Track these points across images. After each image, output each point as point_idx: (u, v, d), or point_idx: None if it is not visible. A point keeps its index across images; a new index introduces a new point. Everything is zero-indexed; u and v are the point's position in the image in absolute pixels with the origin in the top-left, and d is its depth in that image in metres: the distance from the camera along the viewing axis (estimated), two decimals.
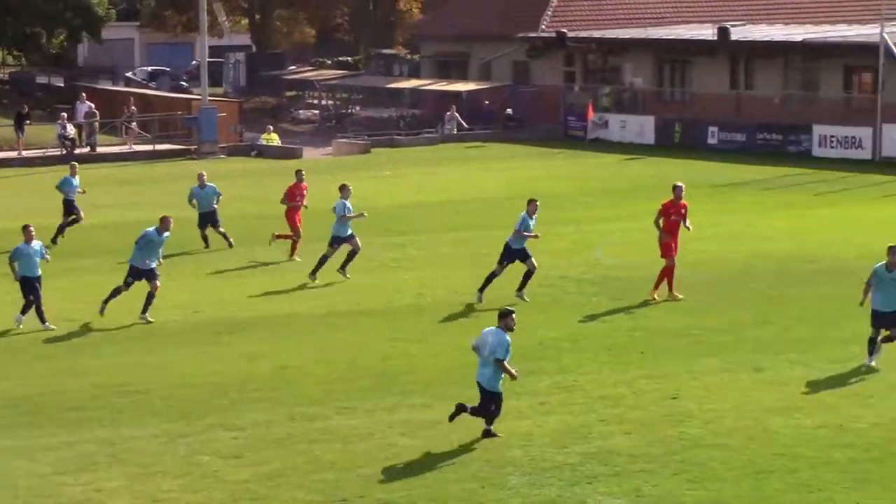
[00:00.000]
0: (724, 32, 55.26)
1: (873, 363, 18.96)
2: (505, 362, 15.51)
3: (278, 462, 15.01)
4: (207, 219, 28.69)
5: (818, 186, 41.03)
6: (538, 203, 23.72)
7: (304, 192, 30.11)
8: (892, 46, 48.56)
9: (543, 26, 61.47)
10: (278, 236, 29.13)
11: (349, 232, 25.86)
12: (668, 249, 24.25)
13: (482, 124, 57.88)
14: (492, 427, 15.85)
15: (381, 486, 14.79)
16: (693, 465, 14.75)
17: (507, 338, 15.56)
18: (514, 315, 16.02)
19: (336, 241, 25.46)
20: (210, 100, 53.49)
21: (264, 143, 51.38)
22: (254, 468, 14.79)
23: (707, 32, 57.45)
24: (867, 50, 49.90)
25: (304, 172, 30.49)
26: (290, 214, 28.77)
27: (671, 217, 24.18)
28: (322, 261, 25.44)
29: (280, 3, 77.11)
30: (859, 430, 15.82)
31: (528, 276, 23.16)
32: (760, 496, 14.54)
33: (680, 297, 24.35)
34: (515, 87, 61.88)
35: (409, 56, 73.74)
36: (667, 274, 22.88)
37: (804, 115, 52.22)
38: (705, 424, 16.37)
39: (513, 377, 15.79)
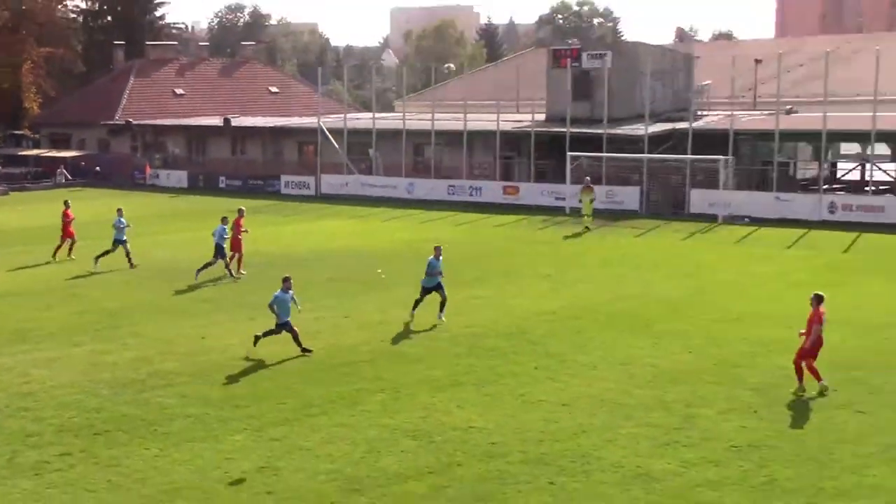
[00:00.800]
0: (227, 121, 75.63)
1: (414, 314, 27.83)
2: (274, 306, 24.34)
3: None
4: None
5: (285, 211, 57.43)
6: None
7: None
8: (326, 131, 66.82)
9: (117, 116, 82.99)
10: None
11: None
12: (236, 245, 35.21)
13: (81, 177, 76.52)
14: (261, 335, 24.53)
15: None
16: None
17: (281, 294, 24.25)
18: (290, 280, 24.61)
19: None
20: None
21: None
22: None
23: (217, 121, 77.57)
24: (310, 131, 69.01)
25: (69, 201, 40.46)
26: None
27: (241, 228, 35.53)
28: None
29: None
30: None
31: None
32: None
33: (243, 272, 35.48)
34: (101, 154, 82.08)
35: (32, 135, 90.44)
36: None
37: (275, 169, 71.50)
38: None
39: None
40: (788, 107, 62.44)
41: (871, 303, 31.01)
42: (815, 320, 21.65)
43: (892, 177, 52.47)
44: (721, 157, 51.76)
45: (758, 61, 72.78)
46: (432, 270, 28.60)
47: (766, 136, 54.86)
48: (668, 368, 23.88)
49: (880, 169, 52.95)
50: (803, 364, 21.68)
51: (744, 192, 52.53)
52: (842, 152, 59.10)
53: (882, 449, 18.27)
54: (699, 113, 61.74)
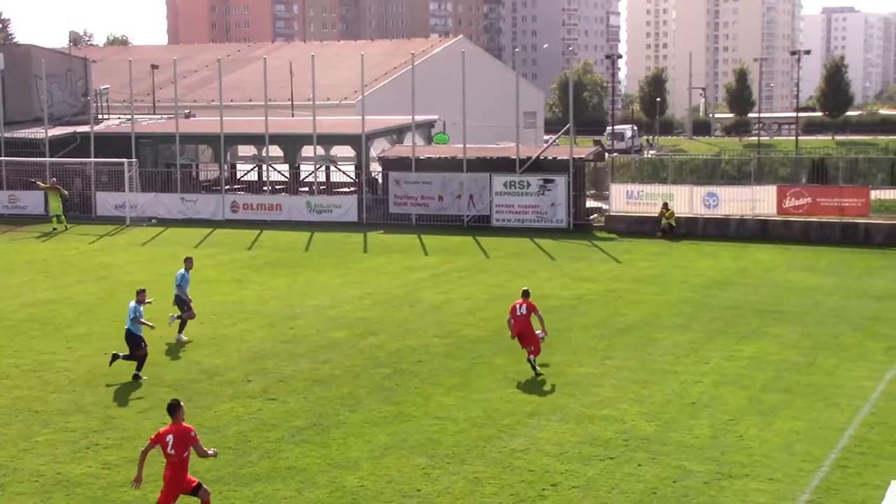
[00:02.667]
0: None
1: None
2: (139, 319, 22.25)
3: None
4: None
5: None
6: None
7: None
8: None
9: None
10: None
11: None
12: None
13: None
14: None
15: None
16: None
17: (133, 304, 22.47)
18: (145, 292, 23.05)
19: None
20: None
21: None
22: None
23: None
24: None
25: None
26: None
27: None
28: None
29: None
30: None
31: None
32: None
33: None
34: None
35: None
36: None
37: None
38: None
39: (151, 326, 22.60)
40: (187, 111, 63.15)
41: (275, 296, 32.12)
42: (533, 309, 22.58)
43: (286, 177, 54.78)
44: (125, 159, 51.22)
45: (154, 67, 73.07)
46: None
47: (167, 138, 55.07)
48: (85, 372, 23.23)
49: (275, 170, 55.09)
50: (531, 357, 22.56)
51: (150, 194, 52.39)
52: (240, 154, 60.81)
53: (292, 433, 18.98)
54: (101, 116, 60.75)
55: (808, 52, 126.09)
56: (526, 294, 23.29)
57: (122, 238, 46.37)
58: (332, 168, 56.66)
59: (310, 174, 54.38)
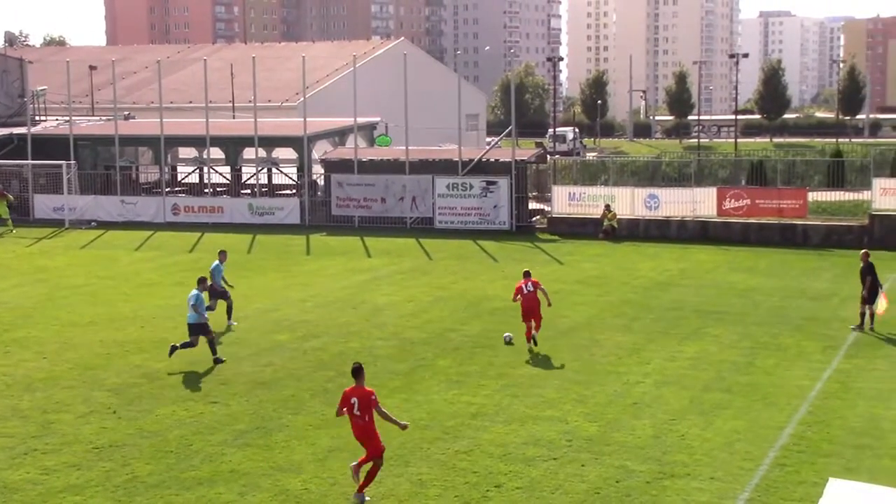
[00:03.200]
0: None
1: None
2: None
3: None
4: None
5: None
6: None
7: None
8: None
9: None
10: None
11: None
12: None
13: None
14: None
15: None
16: None
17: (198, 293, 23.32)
18: (207, 282, 24.11)
19: None
20: None
21: None
22: None
23: None
24: None
25: None
26: None
27: None
28: None
29: None
30: None
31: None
32: None
33: None
34: None
35: None
36: None
37: None
38: None
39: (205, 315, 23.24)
40: (126, 112, 62.56)
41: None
42: (538, 285, 25.06)
43: (227, 179, 54.45)
44: (63, 161, 50.62)
45: (93, 68, 72.28)
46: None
47: (106, 140, 54.52)
48: (23, 376, 22.91)
49: (217, 172, 54.75)
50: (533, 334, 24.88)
51: (89, 197, 51.83)
52: (180, 156, 60.35)
53: (235, 436, 18.86)
54: (38, 118, 59.98)
55: (745, 56, 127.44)
56: (527, 274, 25.49)
57: (61, 241, 45.84)
58: (273, 170, 56.40)
59: (251, 176, 54.12)
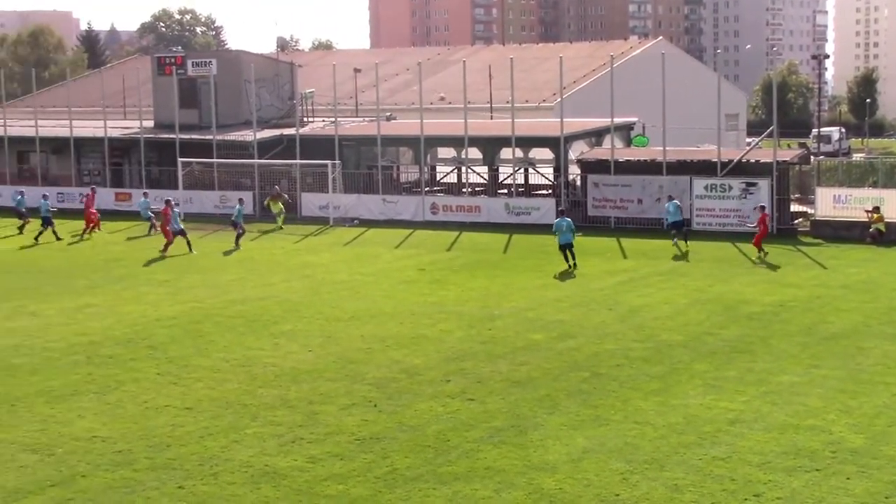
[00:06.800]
0: None
1: None
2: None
3: None
4: None
5: None
6: None
7: None
8: None
9: None
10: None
11: None
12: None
13: None
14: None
15: None
16: None
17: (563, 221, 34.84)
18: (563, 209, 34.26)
19: None
20: None
21: None
22: None
23: None
24: None
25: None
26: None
27: None
28: None
29: None
30: None
31: None
32: None
33: None
34: None
35: None
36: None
37: None
38: None
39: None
40: (388, 113, 64.26)
41: (473, 297, 32.36)
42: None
43: (484, 179, 55.18)
44: (329, 161, 52.52)
45: (357, 70, 74.56)
46: None
47: (369, 140, 56.18)
48: (290, 368, 23.92)
49: (474, 172, 55.54)
50: None
51: (353, 195, 53.53)
52: (439, 156, 61.54)
53: (491, 433, 19.09)
54: (305, 119, 62.41)
55: None
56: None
57: (326, 238, 47.53)
58: (530, 170, 56.76)
59: (508, 176, 54.62)
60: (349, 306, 30.90)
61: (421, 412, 20.46)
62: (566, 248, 36.35)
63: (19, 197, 50.39)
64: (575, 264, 36.26)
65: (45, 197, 48.55)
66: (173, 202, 43.54)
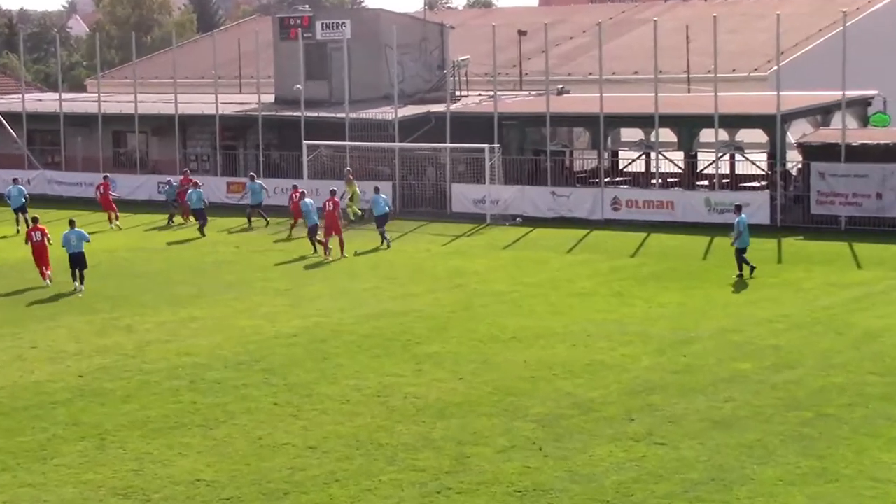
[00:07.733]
0: None
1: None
2: None
3: None
4: None
5: None
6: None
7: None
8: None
9: None
10: None
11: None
12: None
13: None
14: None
15: None
16: None
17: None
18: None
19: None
20: None
21: None
22: None
23: None
24: None
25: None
26: None
27: None
28: None
29: None
30: None
31: None
32: None
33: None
34: None
35: None
36: None
37: None
38: None
39: None
40: (560, 86, 64.02)
41: (664, 315, 31.95)
42: None
43: (680, 167, 54.50)
44: (486, 145, 52.46)
45: (522, 33, 74.47)
46: None
47: (536, 120, 55.96)
48: (435, 399, 23.94)
49: (667, 158, 54.88)
50: None
51: (514, 187, 53.39)
52: (623, 139, 61.02)
53: (686, 487, 18.78)
54: (457, 93, 62.53)
55: None
56: None
57: (481, 239, 47.55)
58: (738, 157, 55.84)
59: (710, 164, 53.84)
60: (509, 324, 30.81)
61: (597, 458, 20.23)
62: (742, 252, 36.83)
63: (167, 187, 54.36)
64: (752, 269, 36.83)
65: (196, 185, 50.88)
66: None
